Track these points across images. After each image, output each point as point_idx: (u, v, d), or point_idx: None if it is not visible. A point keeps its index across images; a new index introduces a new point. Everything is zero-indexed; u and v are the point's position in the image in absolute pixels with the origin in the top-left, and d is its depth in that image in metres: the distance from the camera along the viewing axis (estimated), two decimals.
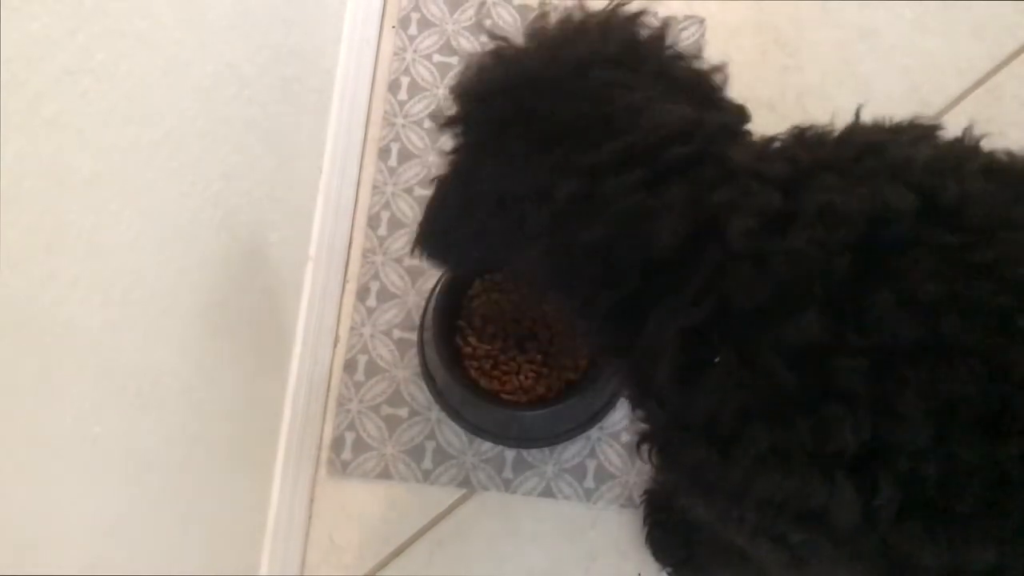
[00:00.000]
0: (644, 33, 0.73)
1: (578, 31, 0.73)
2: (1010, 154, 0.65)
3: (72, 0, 0.58)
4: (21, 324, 0.57)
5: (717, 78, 0.74)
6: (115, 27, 0.63)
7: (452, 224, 0.79)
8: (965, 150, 0.65)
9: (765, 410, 0.59)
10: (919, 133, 0.66)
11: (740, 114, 0.73)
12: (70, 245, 0.62)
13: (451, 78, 1.33)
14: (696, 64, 0.74)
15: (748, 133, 0.72)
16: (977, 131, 0.66)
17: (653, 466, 0.72)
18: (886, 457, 0.55)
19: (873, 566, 0.60)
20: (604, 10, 0.75)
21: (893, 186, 0.59)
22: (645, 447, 0.71)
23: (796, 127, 0.69)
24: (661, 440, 0.70)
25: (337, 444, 1.21)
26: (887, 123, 0.68)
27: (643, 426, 0.72)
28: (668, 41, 0.74)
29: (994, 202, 0.59)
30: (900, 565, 0.58)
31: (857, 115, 0.69)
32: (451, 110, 0.76)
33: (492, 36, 0.76)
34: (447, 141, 0.77)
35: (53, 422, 0.62)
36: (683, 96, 0.69)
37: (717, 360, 0.60)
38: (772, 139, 0.69)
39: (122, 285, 0.69)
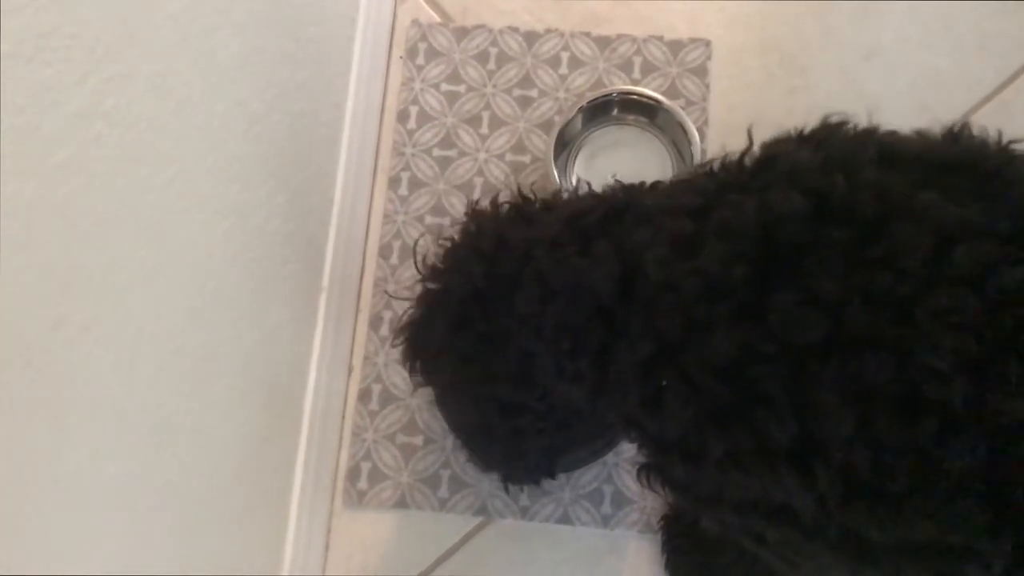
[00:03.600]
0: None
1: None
2: (920, 132, 0.66)
3: (83, 47, 0.59)
4: (35, 366, 0.58)
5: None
6: (125, 72, 0.65)
7: (499, 453, 0.90)
8: (859, 142, 0.66)
9: (712, 421, 0.62)
10: (823, 135, 0.68)
11: None
12: (83, 287, 0.63)
13: (460, 105, 1.34)
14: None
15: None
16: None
17: (657, 492, 0.75)
18: (819, 448, 0.58)
19: (839, 550, 0.62)
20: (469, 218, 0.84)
21: (780, 192, 0.61)
22: (644, 475, 0.73)
23: (708, 160, 0.72)
24: (656, 466, 0.73)
25: (353, 474, 1.21)
26: (792, 133, 0.70)
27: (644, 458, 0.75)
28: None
29: (888, 191, 0.59)
30: (857, 545, 0.60)
31: (750, 135, 0.72)
32: (415, 372, 0.86)
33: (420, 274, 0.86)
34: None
35: (67, 462, 0.63)
36: None
37: (664, 384, 0.64)
38: (682, 180, 0.73)
39: (135, 325, 0.70)
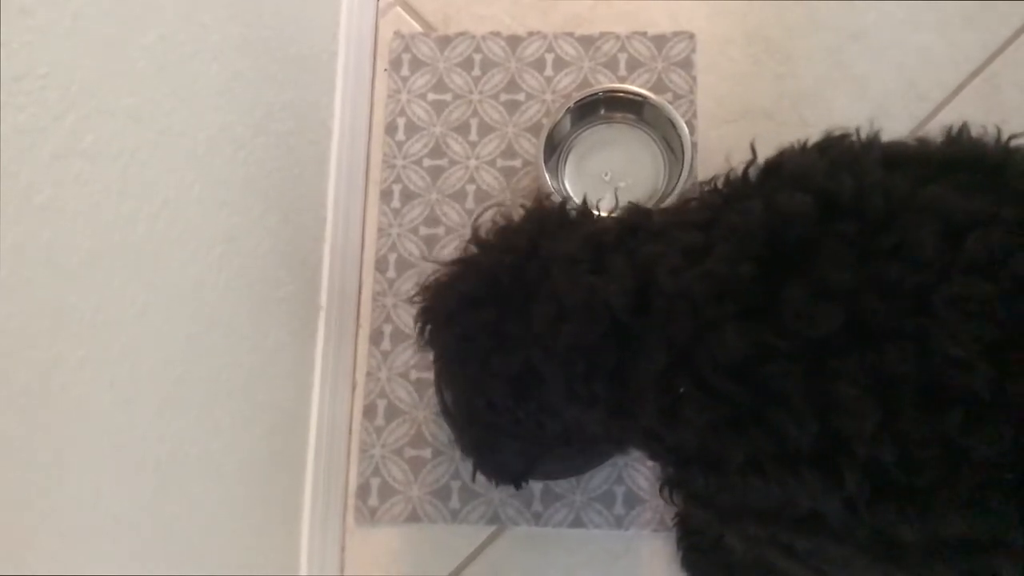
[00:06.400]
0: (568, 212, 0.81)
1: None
2: (921, 140, 0.66)
3: (58, 86, 0.59)
4: (30, 411, 0.57)
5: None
6: (103, 107, 0.64)
7: (474, 439, 0.88)
8: (863, 147, 0.67)
9: (729, 425, 0.61)
10: (826, 144, 0.68)
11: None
12: (75, 327, 0.62)
13: (447, 114, 1.33)
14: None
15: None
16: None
17: (677, 505, 0.74)
18: (843, 446, 0.57)
19: (870, 553, 0.62)
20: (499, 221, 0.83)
21: (785, 193, 0.62)
22: (667, 490, 0.72)
23: (710, 179, 0.73)
24: (677, 480, 0.72)
25: (363, 491, 1.20)
26: (795, 145, 0.70)
27: (667, 473, 0.74)
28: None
29: (894, 190, 0.60)
30: (888, 546, 0.60)
31: (753, 149, 0.71)
32: (422, 334, 0.84)
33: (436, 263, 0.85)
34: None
35: (70, 505, 0.62)
36: None
37: (682, 391, 0.63)
38: (690, 199, 0.74)
39: (131, 360, 0.70)
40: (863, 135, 0.68)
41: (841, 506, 0.58)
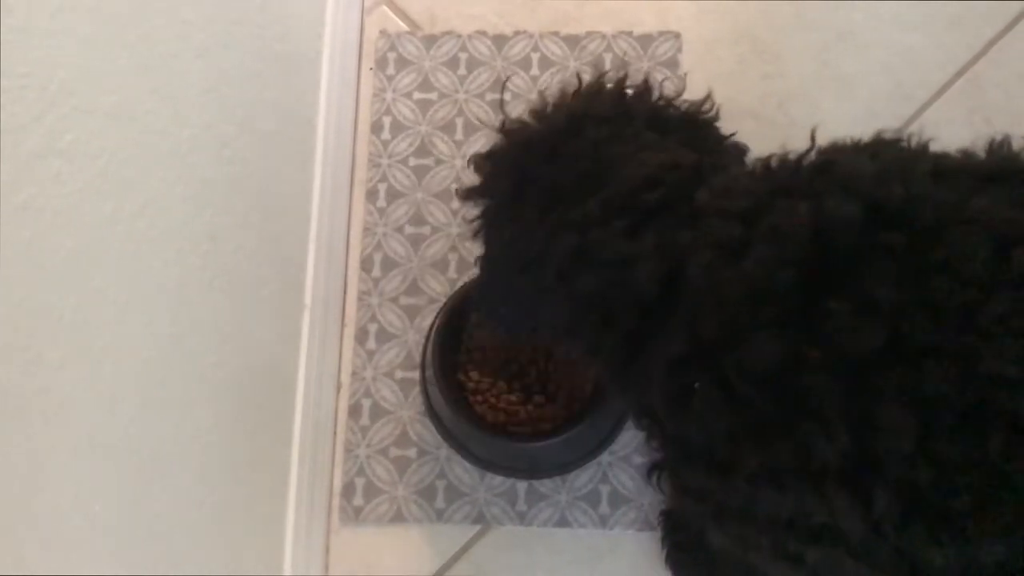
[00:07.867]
0: (630, 91, 0.80)
1: (570, 99, 0.80)
2: (965, 152, 0.65)
3: (36, 85, 0.58)
4: (9, 412, 0.57)
5: (706, 109, 0.80)
6: (83, 106, 0.64)
7: (491, 287, 0.87)
8: (913, 155, 0.66)
9: (749, 432, 0.60)
10: (877, 147, 0.67)
11: (724, 147, 0.77)
12: (54, 327, 0.62)
13: (433, 113, 1.33)
14: (685, 105, 0.81)
15: (731, 165, 0.76)
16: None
17: (664, 493, 0.73)
18: (877, 466, 0.56)
19: (889, 572, 0.60)
20: (591, 80, 0.82)
21: (834, 198, 0.60)
22: (655, 475, 0.72)
23: (762, 158, 0.71)
24: (670, 467, 0.71)
25: (348, 491, 1.20)
26: (849, 141, 0.69)
27: (656, 455, 0.73)
28: (655, 92, 0.81)
29: (942, 201, 0.59)
30: (916, 569, 0.58)
31: (813, 138, 0.69)
32: (471, 181, 0.83)
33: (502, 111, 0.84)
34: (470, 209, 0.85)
35: (50, 504, 0.62)
36: (674, 139, 0.75)
37: (697, 386, 0.62)
38: (738, 176, 0.71)
39: (112, 360, 0.69)
40: (914, 142, 0.67)
41: (864, 525, 0.57)
